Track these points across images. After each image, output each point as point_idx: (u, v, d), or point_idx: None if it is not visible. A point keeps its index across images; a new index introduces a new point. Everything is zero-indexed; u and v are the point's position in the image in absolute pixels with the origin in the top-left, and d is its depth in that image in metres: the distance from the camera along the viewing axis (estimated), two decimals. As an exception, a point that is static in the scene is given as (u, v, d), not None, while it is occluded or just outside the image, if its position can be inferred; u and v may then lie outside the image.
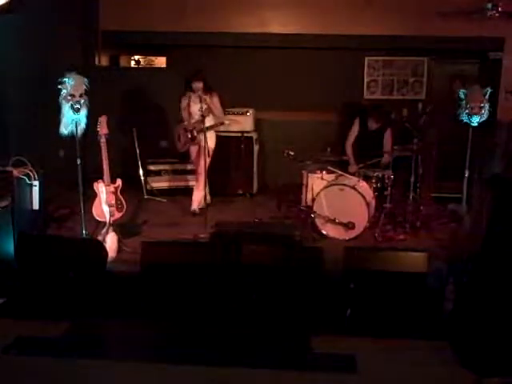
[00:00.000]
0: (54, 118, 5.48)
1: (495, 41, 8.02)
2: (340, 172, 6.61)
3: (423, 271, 4.49)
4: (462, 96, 5.90)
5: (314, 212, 6.15)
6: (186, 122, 6.83)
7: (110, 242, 5.42)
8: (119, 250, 5.53)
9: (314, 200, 6.22)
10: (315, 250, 4.88)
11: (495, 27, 7.74)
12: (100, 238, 5.41)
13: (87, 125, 5.53)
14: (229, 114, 7.74)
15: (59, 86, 5.33)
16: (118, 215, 5.61)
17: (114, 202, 5.55)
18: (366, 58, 8.67)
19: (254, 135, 8.15)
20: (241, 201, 7.85)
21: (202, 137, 6.53)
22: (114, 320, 4.54)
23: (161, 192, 7.89)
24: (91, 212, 5.55)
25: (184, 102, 6.80)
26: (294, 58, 8.51)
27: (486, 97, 5.84)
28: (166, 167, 8.13)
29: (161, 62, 9.98)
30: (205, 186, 6.70)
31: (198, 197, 6.92)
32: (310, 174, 6.62)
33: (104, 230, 5.50)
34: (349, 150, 7.22)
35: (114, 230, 5.54)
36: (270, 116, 8.61)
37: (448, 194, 7.17)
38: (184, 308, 4.54)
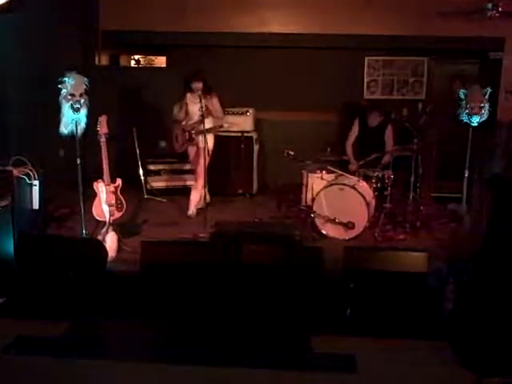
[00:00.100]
0: (54, 118, 5.48)
1: (495, 41, 8.02)
2: (340, 172, 6.61)
3: (423, 271, 4.49)
4: (462, 96, 5.90)
5: (314, 212, 6.15)
6: (184, 123, 6.80)
7: (110, 241, 5.42)
8: (119, 249, 5.53)
9: (313, 200, 6.22)
10: (315, 249, 4.88)
11: (495, 27, 7.74)
12: (100, 237, 5.41)
13: (87, 124, 5.52)
14: (229, 113, 7.75)
15: (59, 86, 5.33)
16: (117, 215, 5.61)
17: (113, 201, 5.55)
18: (366, 58, 8.67)
19: (254, 135, 8.15)
20: (241, 201, 7.85)
21: (200, 138, 6.53)
22: (114, 320, 4.54)
23: (161, 192, 7.89)
24: (91, 212, 5.55)
25: (183, 102, 6.75)
26: (294, 58, 8.51)
27: (486, 97, 5.84)
28: (166, 167, 8.13)
29: (161, 61, 9.98)
30: (203, 186, 6.64)
31: (196, 198, 6.86)
32: (309, 174, 6.62)
33: (104, 230, 5.50)
34: (349, 150, 7.24)
35: (114, 230, 5.54)
36: (270, 116, 8.61)
37: (448, 193, 7.17)
38: (184, 308, 4.54)
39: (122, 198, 5.64)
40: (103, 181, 5.52)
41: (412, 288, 4.44)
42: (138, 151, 7.91)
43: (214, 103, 6.63)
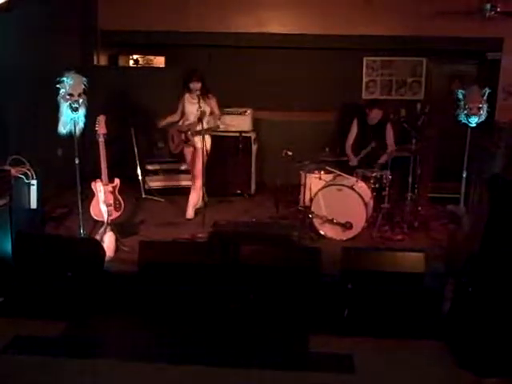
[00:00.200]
0: (53, 118, 5.47)
1: (494, 41, 8.04)
2: (338, 172, 6.61)
3: (421, 272, 4.50)
4: (461, 96, 5.89)
5: (312, 212, 6.15)
6: (180, 123, 6.77)
7: (108, 241, 5.42)
8: (117, 249, 5.53)
9: (312, 200, 6.23)
10: (313, 250, 4.87)
11: (494, 28, 7.76)
12: (98, 237, 5.41)
13: (85, 124, 5.52)
14: (227, 113, 7.75)
15: (58, 86, 5.32)
16: (115, 215, 5.62)
17: (111, 201, 5.56)
18: (365, 58, 8.67)
19: (253, 135, 8.14)
20: (239, 201, 7.84)
21: (196, 138, 6.51)
22: (112, 319, 4.55)
23: (159, 192, 7.88)
24: (89, 211, 5.56)
25: (181, 102, 6.72)
26: (292, 58, 8.51)
27: (485, 97, 5.84)
28: (164, 167, 8.12)
29: (160, 61, 9.96)
30: (202, 187, 6.59)
31: (194, 199, 6.80)
32: (308, 174, 6.62)
33: (102, 230, 5.51)
34: (348, 150, 7.23)
35: (112, 230, 5.54)
36: (268, 116, 8.62)
37: (446, 194, 7.17)
38: (181, 308, 4.54)
39: (120, 198, 5.64)
40: (101, 180, 5.52)
41: (410, 288, 4.44)
42: (136, 151, 7.91)
43: (213, 105, 6.60)
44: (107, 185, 5.54)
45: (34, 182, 5.58)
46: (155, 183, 8.03)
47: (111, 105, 7.67)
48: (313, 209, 6.17)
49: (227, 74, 8.23)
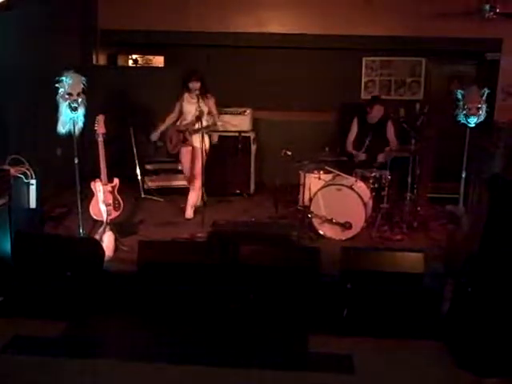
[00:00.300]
0: (52, 117, 5.47)
1: (493, 42, 8.05)
2: (337, 172, 6.61)
3: (420, 272, 4.50)
4: (460, 97, 5.89)
5: (312, 212, 6.16)
6: (178, 123, 6.74)
7: (107, 241, 5.42)
8: (116, 249, 5.53)
9: (311, 200, 6.23)
10: (312, 249, 4.87)
11: (493, 28, 7.77)
12: (97, 236, 5.40)
13: (85, 124, 5.51)
14: (226, 113, 7.76)
15: (57, 85, 5.31)
16: (115, 214, 5.61)
17: (111, 201, 5.56)
18: (364, 59, 8.68)
19: (252, 135, 8.14)
20: (238, 200, 7.83)
21: (195, 138, 6.50)
22: (112, 319, 4.55)
23: (158, 191, 7.88)
24: (88, 211, 5.56)
25: (179, 102, 6.69)
26: (292, 58, 8.52)
27: (484, 98, 5.84)
28: (164, 167, 8.11)
29: (159, 61, 9.96)
30: (201, 187, 6.54)
31: (194, 200, 6.78)
32: (307, 174, 6.62)
33: (101, 229, 5.50)
34: (350, 147, 7.19)
35: (111, 229, 5.54)
36: (267, 116, 8.62)
37: (445, 194, 7.17)
38: (181, 307, 4.54)
39: (120, 198, 5.64)
40: (101, 180, 5.52)
41: (409, 289, 4.44)
42: (135, 151, 7.91)
43: (211, 105, 6.58)
44: (106, 184, 5.54)
45: (34, 181, 5.58)
46: (154, 183, 8.03)
47: (110, 104, 7.67)
48: (312, 209, 6.17)
49: (227, 73, 8.23)
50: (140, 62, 10.32)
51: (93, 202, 5.55)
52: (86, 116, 5.47)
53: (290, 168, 6.70)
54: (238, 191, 8.04)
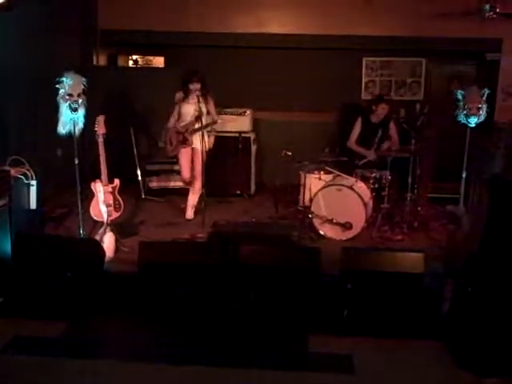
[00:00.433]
0: (52, 118, 5.47)
1: (493, 42, 8.05)
2: (337, 172, 6.61)
3: (420, 272, 4.50)
4: (460, 97, 5.90)
5: (312, 212, 6.16)
6: (176, 125, 6.72)
7: (108, 241, 5.42)
8: (117, 249, 5.53)
9: (311, 200, 6.23)
10: (313, 250, 4.87)
11: (493, 28, 7.77)
12: (97, 237, 5.40)
13: (85, 124, 5.51)
14: (226, 114, 7.76)
15: (57, 86, 5.32)
16: (115, 215, 5.61)
17: (111, 201, 5.55)
18: (364, 59, 8.69)
19: (252, 135, 8.14)
20: (238, 201, 7.84)
21: (194, 139, 6.50)
22: (112, 320, 4.55)
23: (158, 192, 7.88)
24: (89, 212, 5.55)
25: (178, 103, 6.65)
26: (292, 59, 8.52)
27: (484, 98, 5.84)
28: (164, 167, 8.11)
29: (159, 61, 9.98)
30: (201, 188, 6.50)
31: (194, 200, 6.76)
32: (307, 175, 6.62)
33: (101, 230, 5.50)
34: (353, 146, 7.16)
35: (112, 230, 5.54)
36: (267, 116, 8.63)
37: (445, 194, 7.17)
38: (181, 308, 4.54)
39: (120, 199, 5.63)
40: (101, 181, 5.52)
41: (409, 289, 4.44)
42: (135, 151, 7.91)
43: (210, 106, 6.57)
44: (107, 185, 5.54)
45: (34, 182, 5.59)
46: (155, 183, 8.03)
47: (110, 105, 7.67)
48: (312, 209, 6.17)
49: (227, 74, 8.24)
50: (140, 63, 10.34)
51: (93, 203, 5.55)
52: (86, 117, 5.48)
53: (291, 168, 6.70)
54: (238, 192, 8.04)
